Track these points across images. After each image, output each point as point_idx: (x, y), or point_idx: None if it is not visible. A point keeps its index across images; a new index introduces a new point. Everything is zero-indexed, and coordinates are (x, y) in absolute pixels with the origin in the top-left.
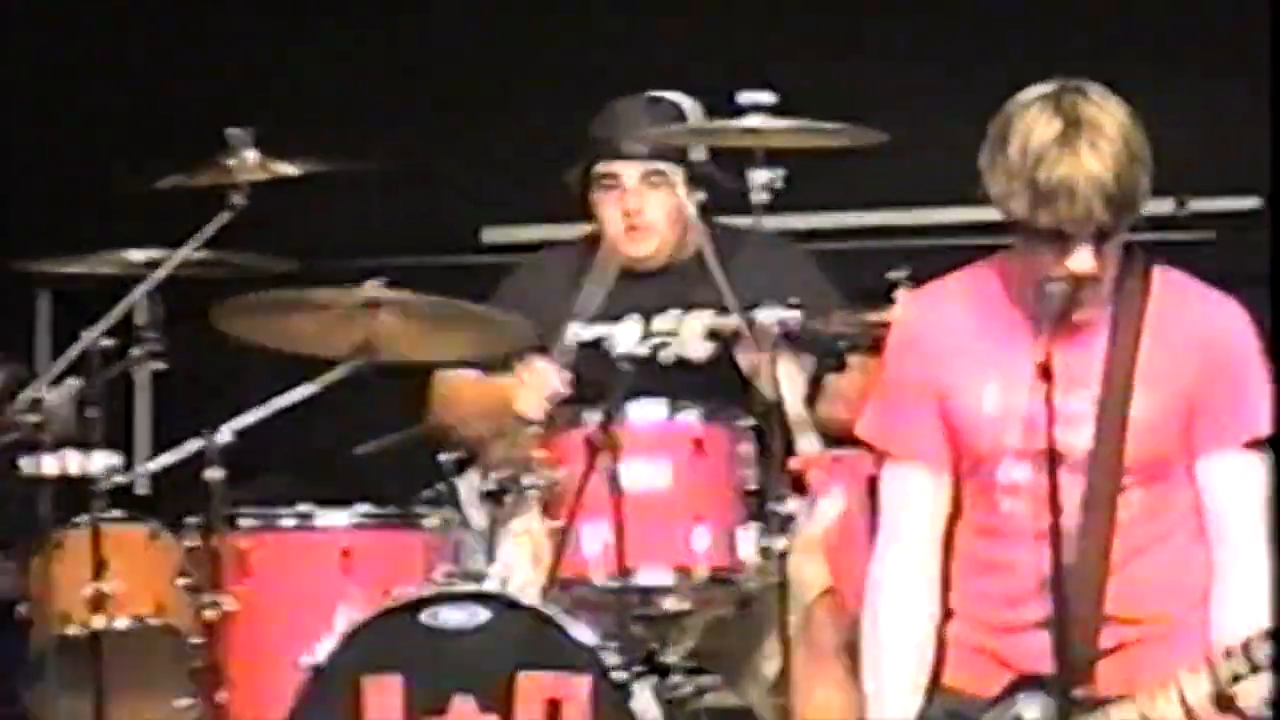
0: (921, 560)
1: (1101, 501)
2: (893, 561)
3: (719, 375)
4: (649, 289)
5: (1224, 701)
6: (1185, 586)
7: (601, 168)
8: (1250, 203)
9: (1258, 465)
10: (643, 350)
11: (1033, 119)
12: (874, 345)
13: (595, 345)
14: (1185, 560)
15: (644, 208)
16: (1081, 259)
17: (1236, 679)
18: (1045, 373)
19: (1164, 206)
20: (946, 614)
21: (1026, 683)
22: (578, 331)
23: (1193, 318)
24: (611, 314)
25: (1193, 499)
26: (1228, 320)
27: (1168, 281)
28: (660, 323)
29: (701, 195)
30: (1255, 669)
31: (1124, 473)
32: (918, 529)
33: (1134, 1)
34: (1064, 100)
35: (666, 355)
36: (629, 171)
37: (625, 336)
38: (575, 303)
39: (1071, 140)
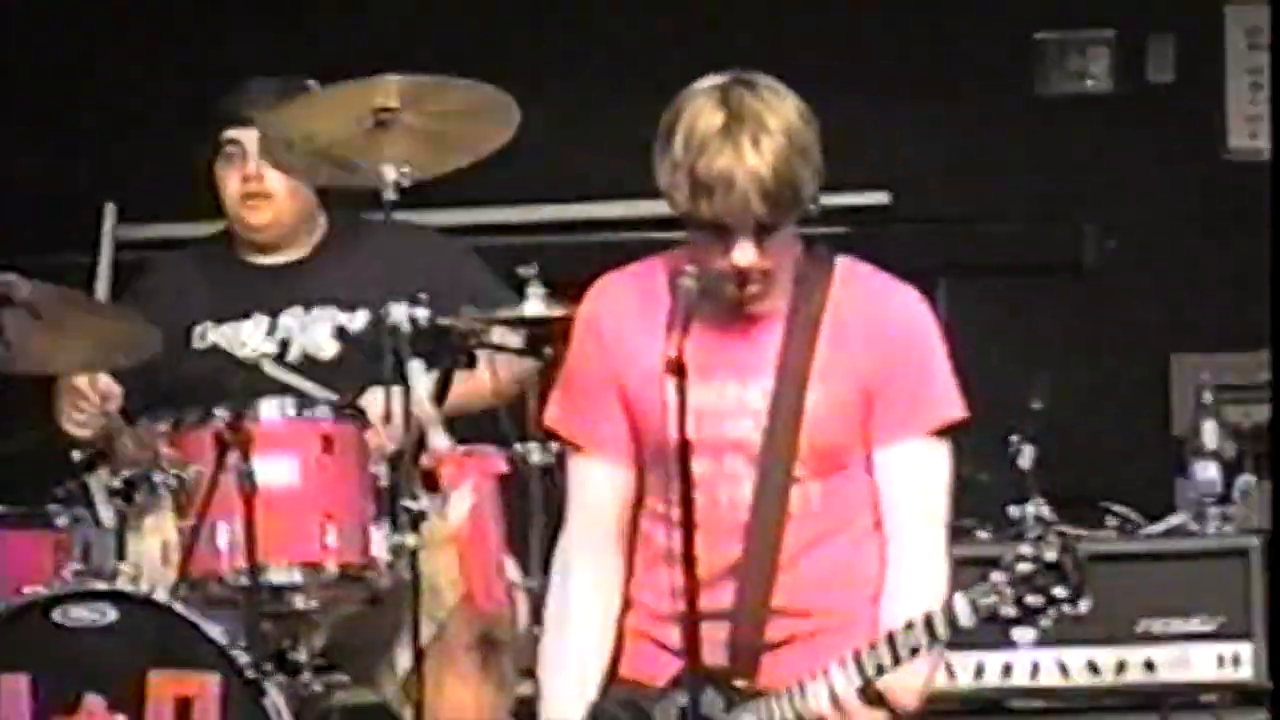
0: (603, 552)
1: (773, 493)
2: (571, 550)
3: (349, 372)
4: (275, 285)
5: (871, 695)
6: (860, 580)
7: (225, 135)
8: (879, 198)
9: (938, 454)
10: (270, 347)
11: (698, 111)
12: (503, 343)
13: (223, 347)
14: (861, 553)
15: (263, 174)
16: (743, 252)
17: (880, 671)
18: (675, 368)
19: None
20: (627, 605)
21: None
22: (205, 332)
23: (871, 309)
24: (238, 312)
25: (872, 491)
26: (906, 309)
27: (849, 273)
28: (286, 320)
29: (324, 179)
30: (897, 661)
31: (797, 465)
32: (602, 525)
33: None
34: (731, 93)
35: (294, 353)
36: (249, 137)
37: (252, 334)
38: (205, 300)
39: (733, 134)
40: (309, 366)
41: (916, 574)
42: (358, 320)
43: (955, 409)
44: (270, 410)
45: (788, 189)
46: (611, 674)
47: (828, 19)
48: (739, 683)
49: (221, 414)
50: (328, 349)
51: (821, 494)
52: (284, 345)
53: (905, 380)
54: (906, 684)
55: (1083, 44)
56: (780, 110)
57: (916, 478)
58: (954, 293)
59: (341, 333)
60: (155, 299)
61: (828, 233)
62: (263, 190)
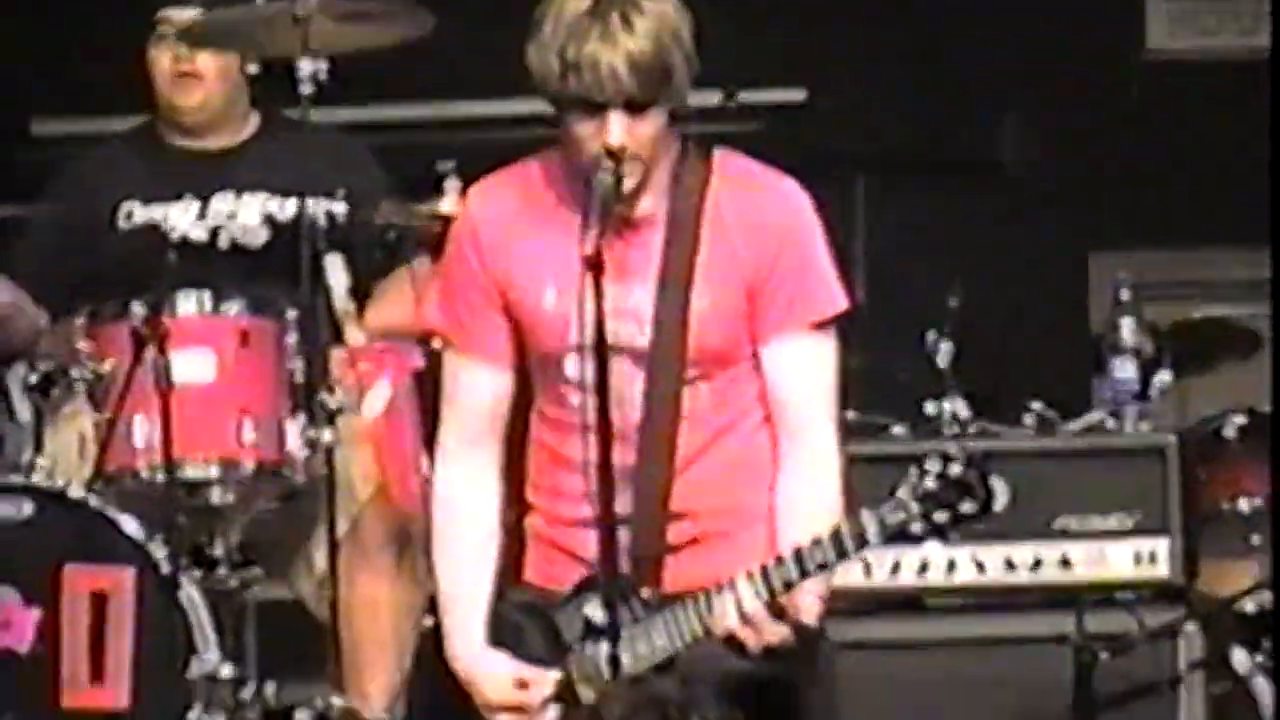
0: (483, 454)
1: (664, 396)
2: (454, 456)
3: (273, 264)
4: (206, 169)
5: (778, 609)
6: (756, 475)
7: (158, 15)
8: (796, 95)
9: (825, 347)
10: (199, 233)
11: None
12: (422, 237)
13: (152, 228)
14: (755, 448)
15: (195, 55)
16: (615, 129)
17: (788, 586)
18: (593, 265)
19: (712, 98)
20: (526, 508)
21: (596, 581)
22: (132, 211)
23: (751, 204)
24: (168, 193)
25: (761, 388)
26: (784, 203)
27: (727, 169)
28: (218, 203)
29: (255, 66)
30: (805, 575)
31: (687, 366)
32: (478, 424)
33: None
34: None
35: (224, 239)
36: (182, 16)
37: (181, 217)
38: (132, 181)
39: (604, 15)
40: (238, 255)
41: (811, 470)
42: (288, 208)
43: (838, 301)
44: (187, 305)
45: (658, 65)
46: (515, 576)
47: None
48: (644, 591)
49: (138, 309)
50: (258, 237)
51: (711, 394)
52: (214, 233)
53: (786, 275)
54: (809, 598)
55: None
56: None
57: (803, 372)
58: (872, 191)
59: (271, 220)
60: (79, 182)
61: (741, 130)
62: (194, 70)
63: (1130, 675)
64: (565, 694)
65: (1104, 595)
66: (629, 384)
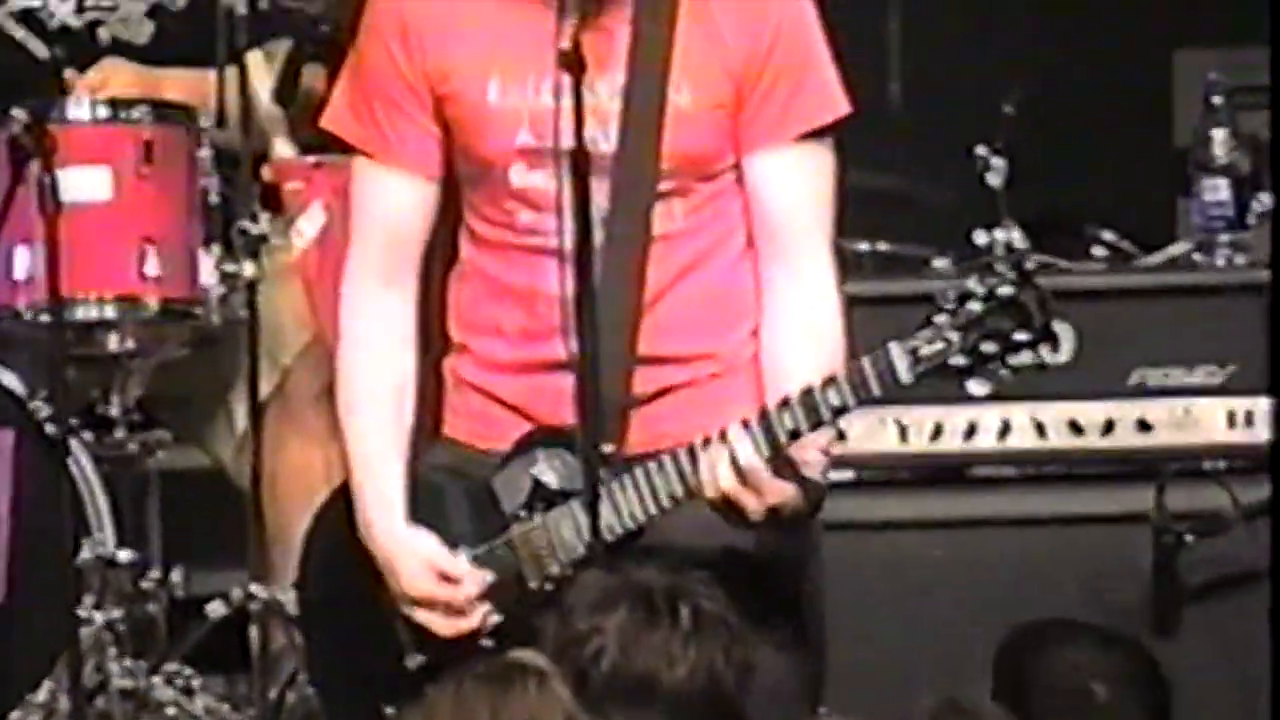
0: (400, 286)
1: (632, 212)
2: (366, 288)
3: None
4: None
5: (781, 463)
6: (739, 313)
7: None
8: None
9: (823, 160)
10: (78, 23)
11: None
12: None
13: (27, 16)
14: (738, 280)
15: None
16: None
17: (795, 436)
18: (572, 62)
19: None
20: (446, 348)
21: (546, 436)
22: None
23: None
24: None
25: (743, 206)
26: None
27: None
28: None
29: None
30: (818, 424)
31: (660, 177)
32: (397, 249)
33: None
34: None
35: (104, 35)
36: None
37: (59, 5)
38: None
39: None
40: (120, 51)
41: (808, 304)
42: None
43: (839, 104)
44: (79, 111)
45: None
46: (433, 432)
47: None
48: (605, 447)
49: (19, 115)
50: (143, 32)
51: (687, 212)
52: (92, 26)
53: (782, 70)
54: (812, 452)
55: None
56: None
57: (798, 188)
58: None
59: (158, 11)
60: None
61: None
62: None
63: (1221, 561)
64: (504, 583)
65: (1189, 465)
66: (591, 198)
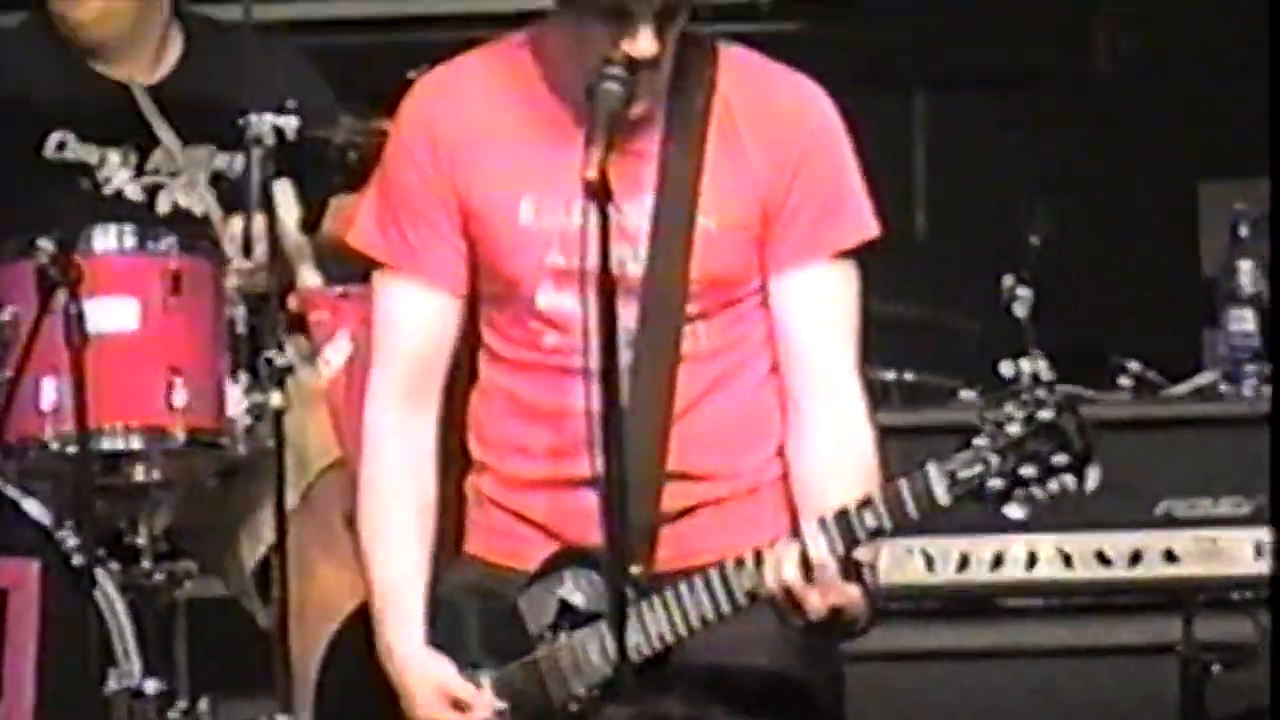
0: (423, 403)
1: (661, 333)
2: (388, 405)
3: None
4: (141, 111)
5: (850, 566)
6: (764, 433)
7: None
8: None
9: (850, 281)
10: (135, 192)
11: None
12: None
13: (83, 169)
14: (762, 401)
15: None
16: (644, 41)
17: (853, 544)
18: (599, 191)
19: None
20: (467, 466)
21: (573, 556)
22: (65, 143)
23: (767, 106)
24: (103, 134)
25: (769, 327)
26: (808, 104)
27: (736, 65)
28: (158, 159)
29: None
30: (854, 544)
31: (688, 298)
32: (420, 365)
33: None
34: None
35: (164, 201)
36: None
37: (117, 169)
38: (59, 103)
39: None
40: (179, 220)
41: (841, 426)
42: (238, 164)
43: (868, 225)
44: (106, 241)
45: None
46: (453, 547)
47: None
48: (634, 568)
49: (47, 245)
50: (202, 201)
51: (712, 334)
52: (152, 192)
53: (809, 192)
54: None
55: None
56: None
57: (826, 310)
58: (935, 106)
59: (219, 179)
60: None
61: (776, 30)
62: None
63: (1249, 692)
64: (527, 704)
65: (1217, 595)
66: (619, 320)
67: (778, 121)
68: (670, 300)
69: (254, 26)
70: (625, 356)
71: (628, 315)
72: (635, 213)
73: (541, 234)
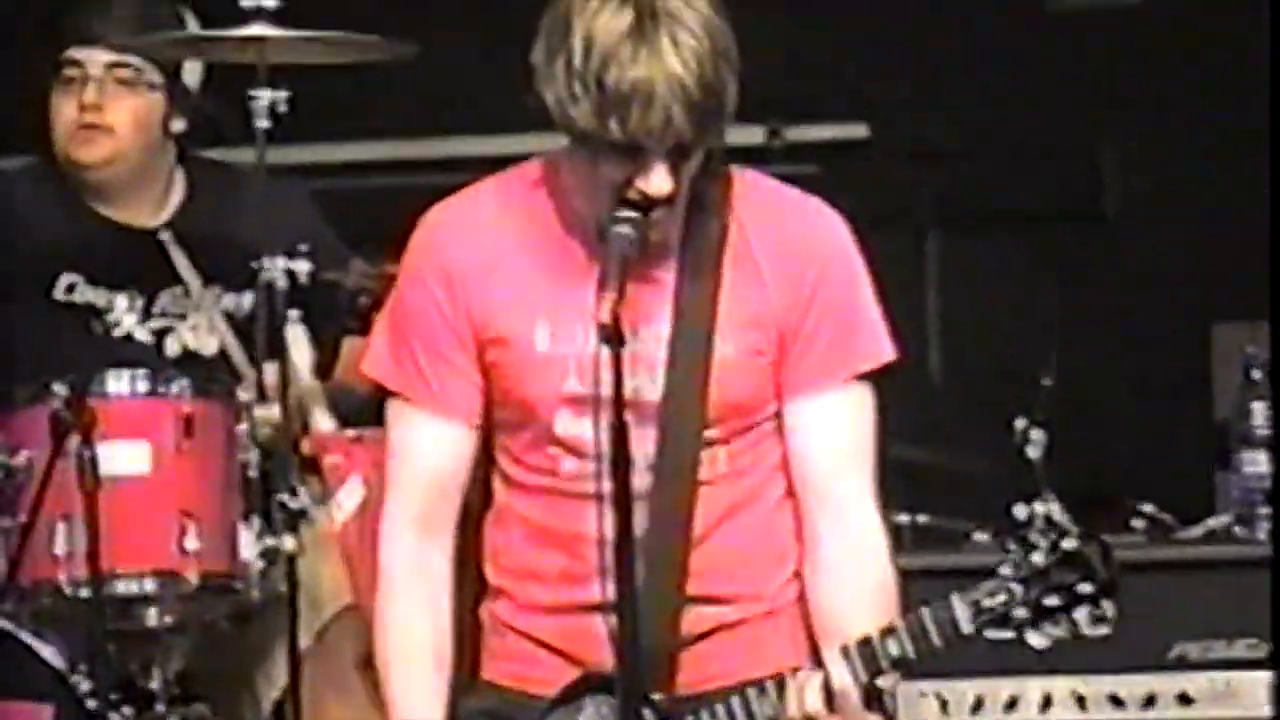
0: (439, 534)
1: (679, 459)
2: (404, 537)
3: (229, 366)
4: (148, 255)
5: (872, 695)
6: (781, 557)
7: (66, 54)
8: (856, 131)
9: (865, 405)
10: (144, 335)
11: (598, 7)
12: None
13: (94, 311)
14: (778, 526)
15: (105, 104)
16: (658, 179)
17: (876, 674)
18: (610, 335)
19: (754, 136)
20: (483, 591)
21: (592, 683)
22: (75, 285)
23: (782, 232)
24: (110, 278)
25: (784, 455)
26: (823, 231)
27: (752, 192)
28: (165, 301)
29: (181, 123)
30: (877, 673)
31: (705, 424)
32: (436, 496)
33: None
34: None
35: (172, 344)
36: (95, 59)
37: (127, 313)
38: (67, 246)
39: (647, 34)
40: (188, 362)
41: (860, 551)
42: (246, 303)
43: (884, 349)
44: (118, 384)
45: (713, 99)
46: (470, 673)
47: None
48: (655, 695)
49: (59, 389)
50: (211, 343)
51: (732, 456)
52: (160, 335)
53: (824, 318)
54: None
55: None
56: (694, 3)
57: (842, 434)
58: (947, 244)
59: (229, 319)
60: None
61: (790, 172)
62: (102, 122)
63: None
64: None
65: None
66: (637, 444)
67: (792, 247)
68: (688, 426)
69: (267, 169)
70: (644, 481)
71: (646, 440)
72: (651, 339)
73: (558, 360)
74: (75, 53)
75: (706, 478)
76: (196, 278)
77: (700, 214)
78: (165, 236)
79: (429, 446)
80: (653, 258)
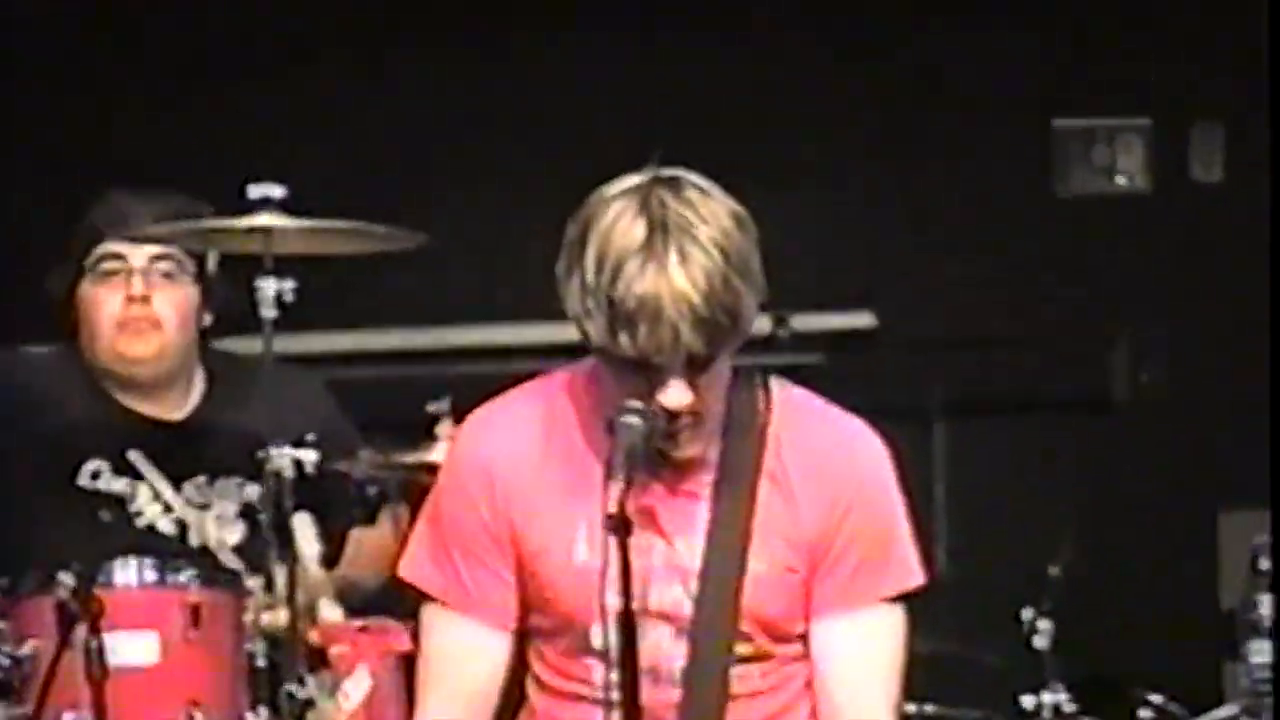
0: None
1: (710, 672)
2: None
3: (253, 552)
4: (171, 447)
5: None
6: None
7: (104, 248)
8: (863, 320)
9: (893, 629)
10: (167, 526)
11: (614, 220)
12: (408, 492)
13: (117, 501)
14: None
15: (152, 295)
16: (674, 394)
17: None
18: (618, 525)
19: (760, 325)
20: None
21: None
22: (100, 472)
23: (817, 451)
24: (133, 468)
25: (810, 673)
26: (859, 453)
27: (791, 409)
28: (190, 492)
29: (210, 317)
30: None
31: (737, 638)
32: (470, 701)
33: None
34: (652, 197)
35: (195, 536)
36: (138, 252)
37: (148, 504)
38: (93, 433)
39: (656, 248)
40: (207, 554)
41: None
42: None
43: (913, 574)
44: (125, 575)
45: (725, 315)
46: None
47: (799, 103)
48: None
49: (67, 579)
50: (234, 533)
51: (764, 671)
52: (182, 527)
53: (854, 540)
54: None
55: (1112, 134)
56: (710, 215)
57: (866, 657)
58: (954, 434)
59: (250, 510)
60: (26, 395)
61: (797, 363)
62: (149, 315)
63: None
64: None
65: None
66: (668, 657)
67: (828, 468)
68: (720, 639)
69: (275, 358)
70: (674, 693)
71: (678, 652)
72: (687, 551)
73: (596, 572)
74: (116, 245)
75: (736, 692)
76: (218, 469)
77: (738, 428)
78: (188, 430)
79: (467, 652)
80: (689, 471)
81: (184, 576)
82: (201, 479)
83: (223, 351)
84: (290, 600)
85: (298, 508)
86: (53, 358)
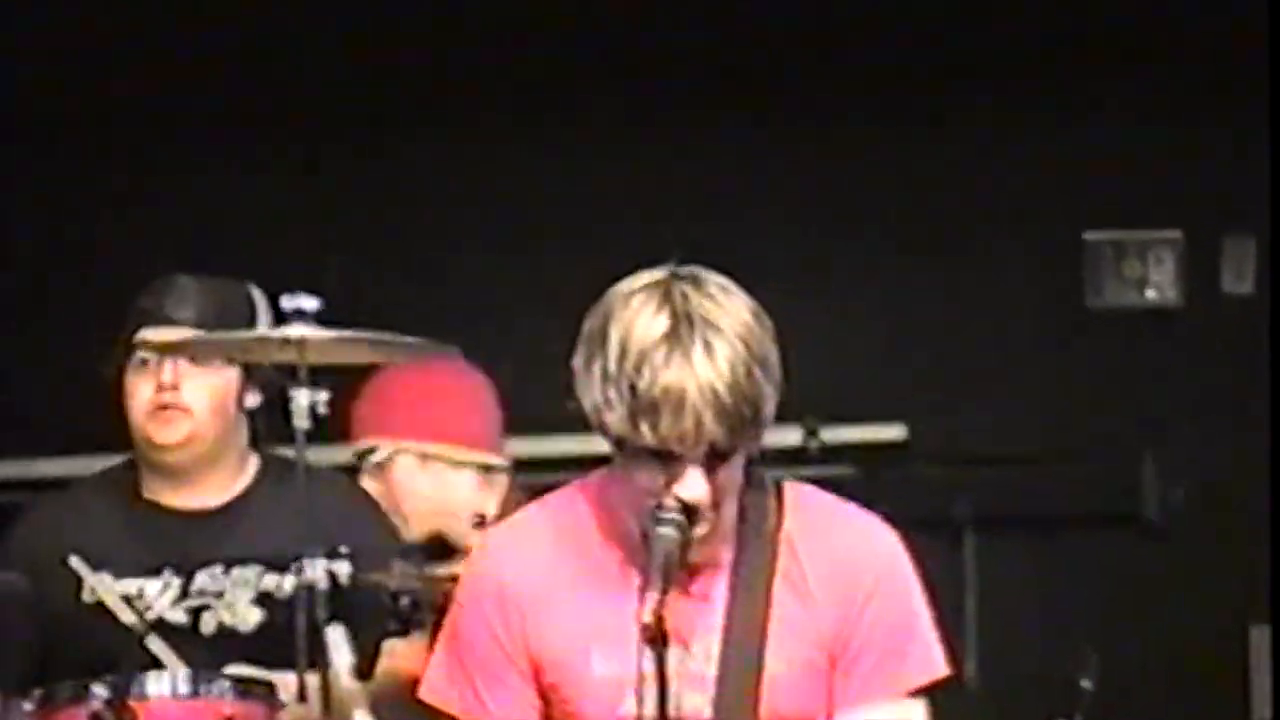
0: None
1: None
2: None
3: (267, 646)
4: (190, 536)
5: None
6: None
7: (140, 336)
8: (894, 432)
9: (914, 717)
10: (179, 615)
11: (635, 312)
12: (442, 604)
13: (124, 601)
14: None
15: (181, 383)
16: (692, 485)
17: None
18: (655, 636)
19: (791, 436)
20: None
21: None
22: (109, 584)
23: (832, 548)
24: (145, 566)
25: None
26: (873, 546)
27: (803, 507)
28: (203, 580)
29: (256, 398)
30: None
31: None
32: None
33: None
34: (674, 290)
35: (208, 623)
36: (168, 339)
37: (159, 597)
38: (103, 547)
39: (681, 340)
40: (225, 640)
41: None
42: (287, 585)
43: (936, 665)
44: (159, 686)
45: (747, 406)
46: None
47: (831, 212)
48: None
49: (100, 691)
50: (249, 619)
51: None
52: (196, 614)
53: (874, 634)
54: None
55: (1143, 246)
56: (732, 310)
57: None
58: (984, 548)
59: (266, 599)
60: (34, 546)
61: (827, 474)
62: (178, 403)
63: None
64: None
65: None
66: None
67: (843, 564)
68: None
69: (305, 469)
70: None
71: None
72: (703, 656)
73: (615, 683)
74: (148, 333)
75: None
76: (236, 558)
77: (750, 529)
78: (221, 516)
79: None
80: (701, 574)
81: (218, 688)
82: (217, 567)
83: (278, 454)
84: (325, 711)
85: (331, 619)
86: (104, 475)
